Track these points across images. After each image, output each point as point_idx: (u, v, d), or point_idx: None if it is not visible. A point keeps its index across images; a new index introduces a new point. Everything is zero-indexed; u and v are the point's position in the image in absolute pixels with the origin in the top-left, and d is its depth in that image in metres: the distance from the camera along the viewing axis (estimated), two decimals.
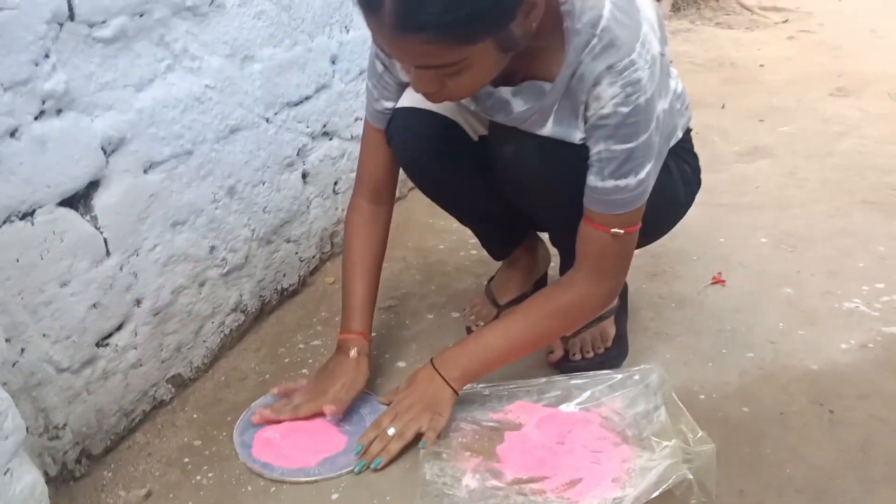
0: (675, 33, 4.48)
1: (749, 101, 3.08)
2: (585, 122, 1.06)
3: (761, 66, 3.66)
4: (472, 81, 0.98)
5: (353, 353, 1.26)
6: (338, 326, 1.52)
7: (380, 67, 1.22)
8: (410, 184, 2.19)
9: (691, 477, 1.04)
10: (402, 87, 1.23)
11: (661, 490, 1.03)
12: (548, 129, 1.10)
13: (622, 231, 1.11)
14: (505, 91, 1.09)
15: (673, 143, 1.29)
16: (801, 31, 4.45)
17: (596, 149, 1.06)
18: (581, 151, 1.08)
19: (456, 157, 1.26)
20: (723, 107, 2.98)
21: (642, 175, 1.07)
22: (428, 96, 1.01)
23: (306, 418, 1.22)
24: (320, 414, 1.22)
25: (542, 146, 1.11)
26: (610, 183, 1.07)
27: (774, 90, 3.24)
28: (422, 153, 1.25)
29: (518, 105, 1.10)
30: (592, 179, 1.08)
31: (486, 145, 1.23)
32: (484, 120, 1.25)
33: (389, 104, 1.24)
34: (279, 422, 1.22)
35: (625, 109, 1.01)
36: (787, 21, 4.75)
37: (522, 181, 1.17)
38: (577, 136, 1.08)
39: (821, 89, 3.23)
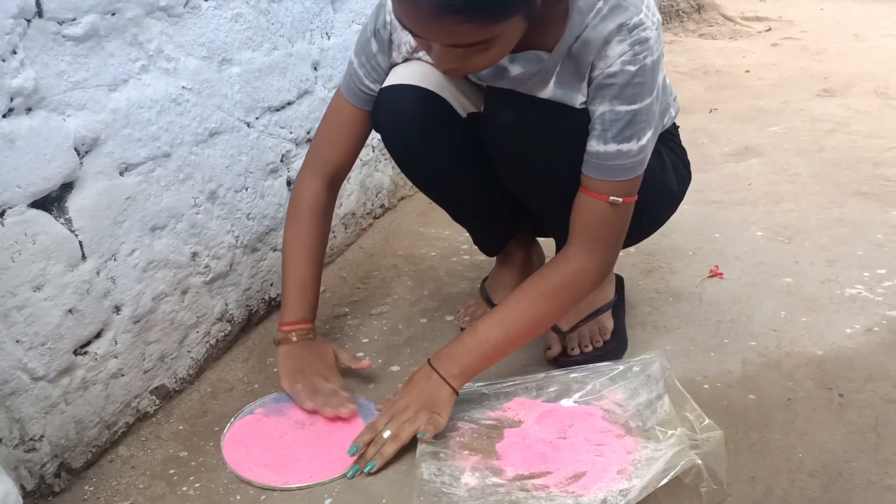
0: None
1: (736, 104, 3.07)
2: (590, 83, 1.05)
3: (746, 71, 3.67)
4: (496, 55, 0.97)
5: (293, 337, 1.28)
6: (327, 335, 1.48)
7: (374, 47, 1.20)
8: (400, 193, 2.16)
9: (700, 462, 0.99)
10: (389, 70, 1.22)
11: (669, 477, 0.99)
12: (549, 91, 1.08)
13: (621, 200, 1.08)
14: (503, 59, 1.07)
15: (666, 122, 1.27)
16: (785, 39, 4.47)
17: (599, 110, 1.05)
18: (582, 117, 1.07)
19: (445, 134, 1.22)
20: (710, 111, 2.97)
21: (644, 141, 1.05)
22: (447, 72, 1.01)
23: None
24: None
25: (542, 110, 1.09)
26: (612, 147, 1.05)
27: (761, 94, 3.23)
28: (411, 132, 1.21)
29: (515, 69, 1.09)
30: (594, 144, 1.06)
31: (480, 121, 1.21)
32: (473, 96, 1.23)
33: (374, 86, 1.22)
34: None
35: (632, 68, 1.00)
36: (769, 30, 4.78)
37: (520, 149, 1.14)
38: (578, 100, 1.07)
39: (807, 91, 3.23)
